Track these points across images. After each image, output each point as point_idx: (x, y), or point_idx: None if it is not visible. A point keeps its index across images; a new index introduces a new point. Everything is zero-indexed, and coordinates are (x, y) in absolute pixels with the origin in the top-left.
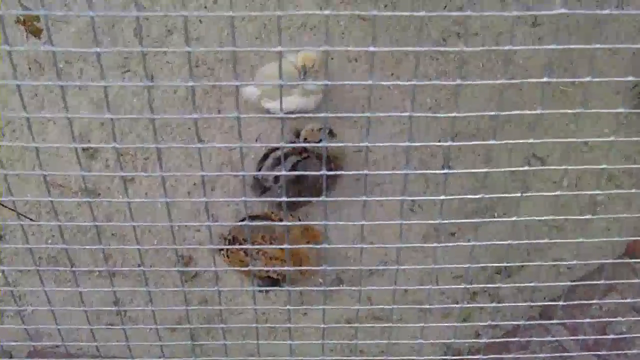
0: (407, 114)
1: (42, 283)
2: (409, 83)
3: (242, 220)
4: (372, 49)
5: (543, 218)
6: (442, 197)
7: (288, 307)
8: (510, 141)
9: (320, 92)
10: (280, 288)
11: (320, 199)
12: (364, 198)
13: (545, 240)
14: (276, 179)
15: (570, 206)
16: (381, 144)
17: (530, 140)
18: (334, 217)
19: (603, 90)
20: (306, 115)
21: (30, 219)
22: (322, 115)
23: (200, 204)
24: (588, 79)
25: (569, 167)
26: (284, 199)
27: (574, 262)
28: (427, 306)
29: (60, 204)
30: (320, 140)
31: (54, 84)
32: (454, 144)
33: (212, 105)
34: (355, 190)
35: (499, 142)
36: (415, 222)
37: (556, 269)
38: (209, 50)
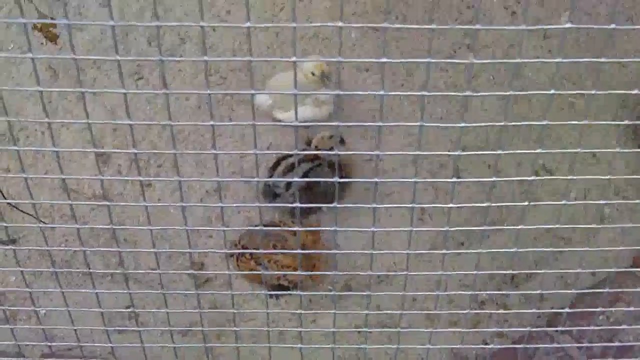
0: (417, 123)
1: (60, 285)
2: (419, 93)
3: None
4: (383, 60)
5: (550, 227)
6: (450, 205)
7: (300, 310)
8: (518, 151)
9: (331, 102)
10: (290, 292)
11: (332, 205)
12: (374, 205)
13: (552, 249)
14: (287, 186)
15: (578, 219)
16: (392, 153)
17: (538, 151)
18: (343, 227)
19: (611, 104)
20: (318, 124)
21: (45, 223)
22: (334, 124)
23: (211, 212)
24: (593, 92)
25: (575, 177)
26: (297, 204)
27: (581, 270)
28: (435, 311)
29: (74, 209)
30: (331, 148)
31: (74, 90)
32: (463, 153)
33: (224, 113)
34: (365, 201)
35: (507, 152)
36: (425, 229)
37: (563, 281)
38: (225, 60)
